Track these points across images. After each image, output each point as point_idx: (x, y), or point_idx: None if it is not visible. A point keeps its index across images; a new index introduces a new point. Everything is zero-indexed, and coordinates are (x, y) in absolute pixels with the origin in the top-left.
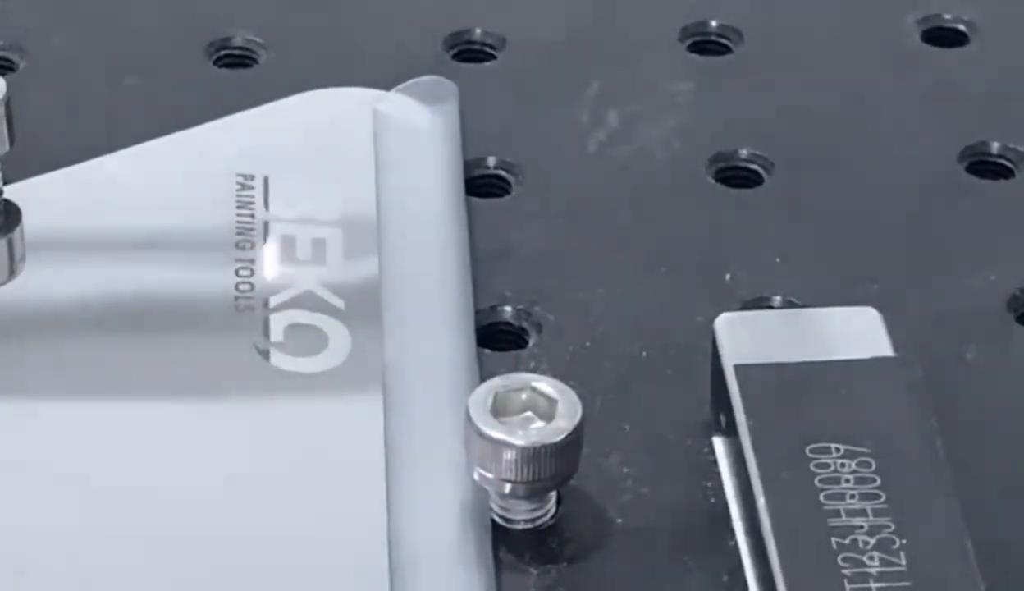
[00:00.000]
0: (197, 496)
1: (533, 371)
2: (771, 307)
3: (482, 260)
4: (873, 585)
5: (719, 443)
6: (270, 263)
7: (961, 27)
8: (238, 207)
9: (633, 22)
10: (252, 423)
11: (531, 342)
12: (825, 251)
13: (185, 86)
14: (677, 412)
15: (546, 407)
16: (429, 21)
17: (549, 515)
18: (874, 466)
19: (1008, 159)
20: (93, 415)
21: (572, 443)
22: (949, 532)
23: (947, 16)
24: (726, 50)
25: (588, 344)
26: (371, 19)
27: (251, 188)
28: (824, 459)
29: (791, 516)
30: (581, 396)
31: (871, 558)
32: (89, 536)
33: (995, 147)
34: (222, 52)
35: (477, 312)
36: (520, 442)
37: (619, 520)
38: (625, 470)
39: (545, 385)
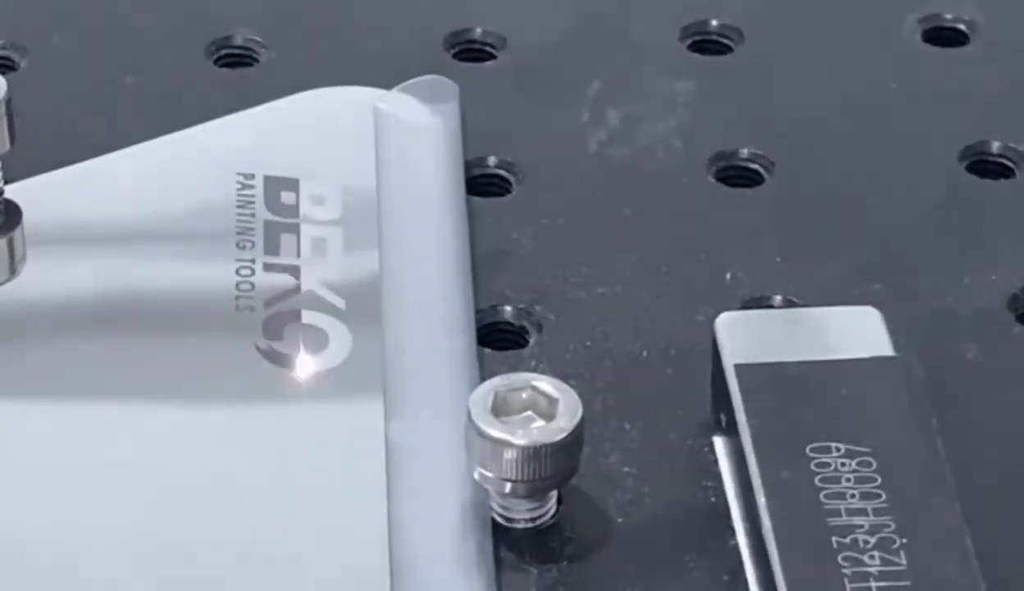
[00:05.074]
0: (196, 496)
1: (533, 370)
2: (771, 307)
3: (483, 260)
4: (873, 584)
5: (719, 442)
6: (270, 262)
7: (961, 27)
8: (238, 207)
9: (634, 21)
10: (252, 423)
11: (531, 341)
12: (825, 251)
13: (185, 86)
14: (677, 411)
15: (546, 406)
16: (429, 21)
17: (550, 514)
18: (874, 465)
19: (1008, 159)
20: (93, 415)
21: (572, 442)
22: (949, 531)
23: (947, 16)
24: (727, 50)
25: (588, 343)
26: (371, 19)
27: (251, 188)
28: (824, 458)
29: (791, 515)
30: (581, 395)
31: (871, 557)
32: (89, 536)
33: (995, 147)
34: (222, 51)
35: (477, 311)
36: (521, 441)
37: (619, 519)
38: (625, 469)
39: (546, 384)
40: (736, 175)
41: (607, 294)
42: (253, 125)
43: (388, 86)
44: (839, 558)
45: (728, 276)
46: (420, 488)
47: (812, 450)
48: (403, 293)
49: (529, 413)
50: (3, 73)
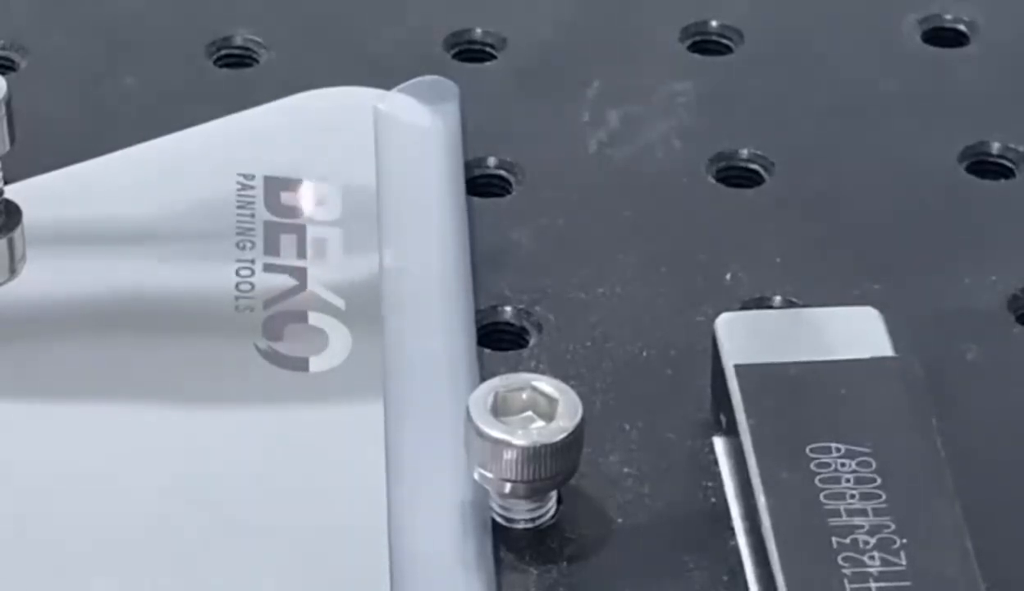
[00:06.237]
0: (197, 496)
1: (533, 371)
2: (771, 307)
3: (482, 260)
4: (873, 585)
5: (719, 443)
6: (270, 263)
7: (961, 27)
8: (238, 207)
9: (633, 22)
10: (252, 423)
11: (531, 342)
12: (825, 251)
13: (185, 86)
14: (677, 412)
15: (546, 407)
16: (429, 21)
17: (549, 515)
18: (874, 466)
19: (1008, 159)
20: (93, 415)
21: (572, 443)
22: (949, 532)
23: (947, 16)
24: (726, 50)
25: (588, 344)
26: (371, 19)
27: (251, 188)
28: (824, 459)
29: (791, 516)
30: (581, 395)
31: (871, 558)
32: (88, 536)
33: (995, 147)
34: (222, 52)
35: (478, 311)
36: (520, 442)
37: (619, 520)
38: (625, 470)
39: (545, 385)
40: (736, 175)
41: (607, 294)
42: (253, 125)
43: (388, 86)
44: (839, 558)
45: (728, 276)
46: (420, 488)
47: (812, 450)
48: (403, 293)
49: (529, 413)
50: (3, 73)
